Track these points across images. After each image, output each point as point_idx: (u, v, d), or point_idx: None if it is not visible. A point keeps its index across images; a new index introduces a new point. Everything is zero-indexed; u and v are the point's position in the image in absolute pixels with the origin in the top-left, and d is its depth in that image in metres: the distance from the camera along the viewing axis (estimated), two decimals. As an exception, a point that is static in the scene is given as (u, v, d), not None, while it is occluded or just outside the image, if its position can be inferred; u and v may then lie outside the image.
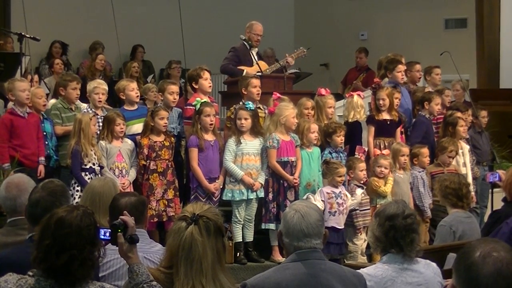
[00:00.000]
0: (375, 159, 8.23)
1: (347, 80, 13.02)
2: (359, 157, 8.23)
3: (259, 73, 8.91)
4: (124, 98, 8.20)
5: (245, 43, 9.47)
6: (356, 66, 13.19)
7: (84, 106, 8.22)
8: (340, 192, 7.78)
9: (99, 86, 8.10)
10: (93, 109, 7.96)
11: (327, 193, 7.70)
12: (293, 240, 3.60)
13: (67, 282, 3.12)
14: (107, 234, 3.34)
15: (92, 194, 4.84)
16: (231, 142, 7.81)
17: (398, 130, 8.81)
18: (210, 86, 8.32)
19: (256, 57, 9.45)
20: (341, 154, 8.20)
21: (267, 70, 9.35)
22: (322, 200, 7.60)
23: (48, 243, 3.11)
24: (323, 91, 8.65)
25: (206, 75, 8.27)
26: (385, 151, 8.37)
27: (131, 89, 8.18)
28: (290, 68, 9.64)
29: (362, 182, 8.05)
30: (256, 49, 9.63)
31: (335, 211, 7.71)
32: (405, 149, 8.46)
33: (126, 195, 4.49)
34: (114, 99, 9.25)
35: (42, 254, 3.12)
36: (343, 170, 7.81)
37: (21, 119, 7.58)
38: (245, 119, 7.80)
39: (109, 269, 4.17)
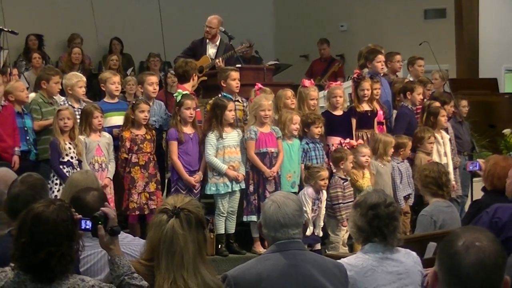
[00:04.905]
0: (356, 149, 8.17)
1: (313, 72, 12.99)
2: (347, 149, 8.15)
3: (239, 66, 8.89)
4: (104, 89, 8.19)
5: (226, 35, 9.44)
6: (320, 58, 13.20)
7: (62, 99, 8.16)
8: (320, 198, 7.76)
9: (81, 80, 8.07)
10: (69, 102, 7.91)
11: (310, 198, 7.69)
12: (271, 230, 3.61)
13: (46, 277, 3.10)
14: (88, 223, 3.31)
15: (76, 188, 4.77)
16: (212, 136, 7.78)
17: (375, 120, 8.79)
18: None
19: (211, 50, 9.40)
20: (317, 145, 8.19)
21: (207, 66, 9.28)
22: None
23: (24, 241, 3.08)
24: (307, 82, 8.61)
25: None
26: (360, 141, 8.36)
27: (112, 82, 8.15)
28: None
29: (345, 174, 8.00)
30: (217, 42, 9.52)
31: (312, 216, 7.71)
32: (394, 141, 8.44)
33: (89, 190, 4.21)
34: (94, 92, 9.19)
35: (19, 252, 3.09)
36: (325, 173, 7.72)
37: (-4, 113, 7.51)
38: (234, 110, 7.87)
39: (85, 265, 4.05)
